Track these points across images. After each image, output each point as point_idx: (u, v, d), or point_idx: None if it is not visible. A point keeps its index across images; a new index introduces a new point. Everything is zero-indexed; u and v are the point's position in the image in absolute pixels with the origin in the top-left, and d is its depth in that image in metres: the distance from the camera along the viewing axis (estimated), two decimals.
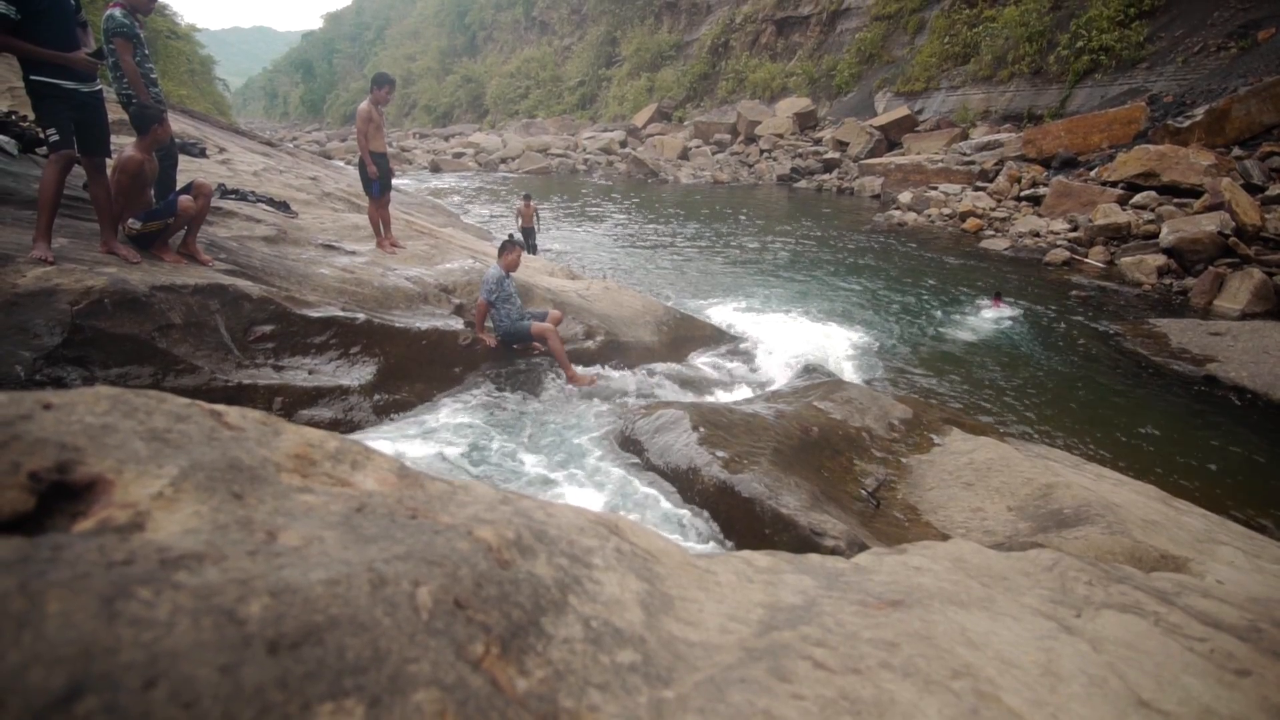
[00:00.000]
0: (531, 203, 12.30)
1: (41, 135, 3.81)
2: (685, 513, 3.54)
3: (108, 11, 4.87)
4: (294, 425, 1.02)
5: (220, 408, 0.97)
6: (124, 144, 5.14)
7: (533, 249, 11.95)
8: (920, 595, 1.32)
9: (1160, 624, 1.33)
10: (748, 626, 1.06)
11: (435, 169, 32.44)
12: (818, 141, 30.32)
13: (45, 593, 0.49)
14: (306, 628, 0.57)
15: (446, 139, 47.46)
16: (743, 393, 6.49)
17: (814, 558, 1.56)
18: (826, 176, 25.97)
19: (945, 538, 3.62)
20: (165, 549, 0.60)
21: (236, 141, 14.12)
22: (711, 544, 3.30)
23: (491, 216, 18.46)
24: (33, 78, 3.70)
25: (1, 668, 0.42)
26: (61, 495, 0.66)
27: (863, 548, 3.02)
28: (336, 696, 0.53)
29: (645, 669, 0.83)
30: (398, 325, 5.37)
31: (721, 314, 9.58)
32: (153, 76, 5.16)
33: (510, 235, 5.88)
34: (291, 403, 4.38)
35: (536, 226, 12.59)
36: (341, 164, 26.95)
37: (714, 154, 32.22)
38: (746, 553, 1.48)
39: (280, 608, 0.57)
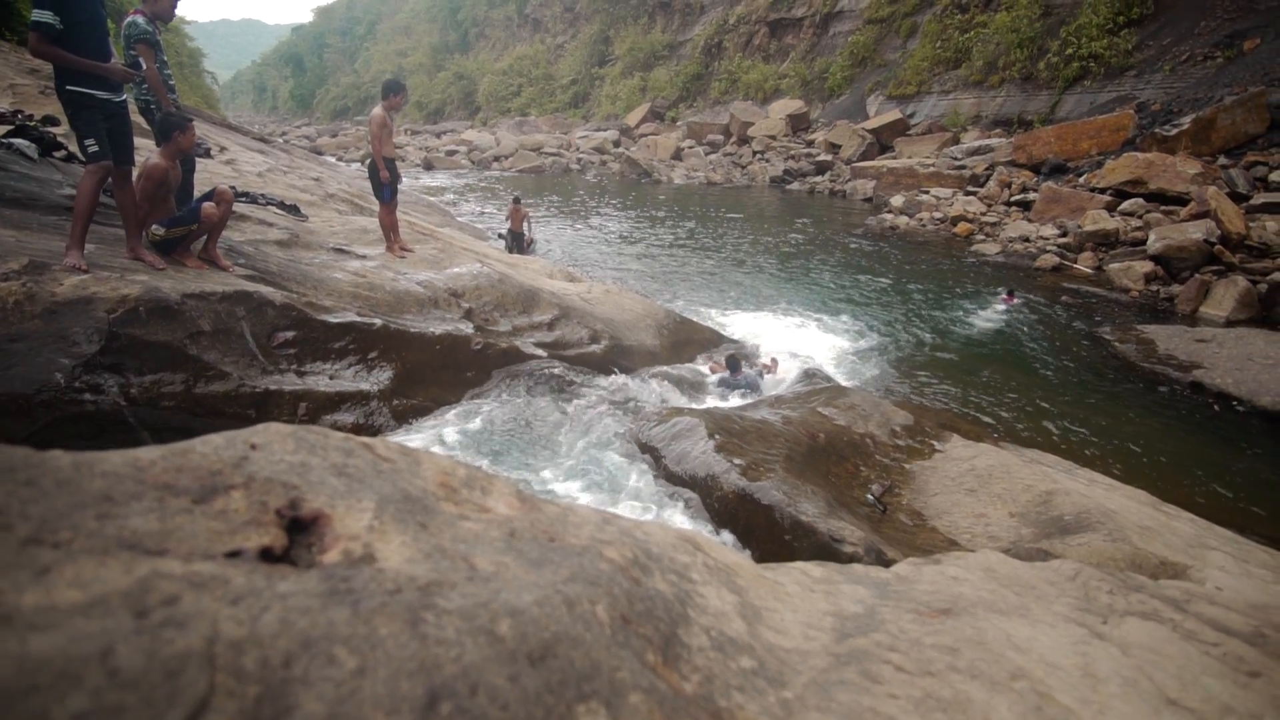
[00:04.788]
0: (521, 205, 12.40)
1: (80, 146, 3.86)
2: (705, 519, 3.68)
3: (130, 18, 4.90)
4: (426, 454, 1.14)
5: (368, 440, 1.09)
6: (143, 149, 5.20)
7: (523, 250, 12.08)
8: (964, 604, 1.46)
9: (1178, 630, 1.48)
10: (825, 633, 1.19)
11: (428, 166, 32.36)
12: (810, 144, 30.50)
13: (373, 618, 0.61)
14: (544, 643, 0.69)
15: (438, 136, 47.32)
16: (745, 397, 6.64)
17: (858, 568, 1.71)
18: (819, 179, 26.17)
19: (952, 543, 3.79)
20: (412, 578, 0.72)
21: (234, 139, 14.09)
22: (739, 550, 3.44)
23: (482, 213, 18.53)
24: (69, 88, 3.74)
25: (379, 679, 0.54)
26: (294, 529, 0.78)
27: (879, 554, 3.17)
28: (585, 700, 0.65)
29: (763, 673, 0.96)
30: (412, 330, 5.47)
31: (719, 316, 9.75)
32: (171, 83, 5.21)
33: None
34: (315, 408, 4.47)
35: (529, 228, 12.70)
36: (333, 160, 26.85)
37: (707, 155, 32.35)
38: (800, 564, 1.62)
39: (521, 626, 0.69)
